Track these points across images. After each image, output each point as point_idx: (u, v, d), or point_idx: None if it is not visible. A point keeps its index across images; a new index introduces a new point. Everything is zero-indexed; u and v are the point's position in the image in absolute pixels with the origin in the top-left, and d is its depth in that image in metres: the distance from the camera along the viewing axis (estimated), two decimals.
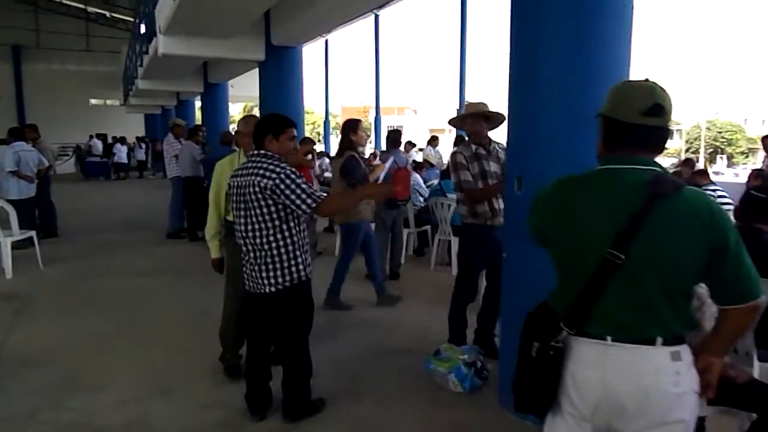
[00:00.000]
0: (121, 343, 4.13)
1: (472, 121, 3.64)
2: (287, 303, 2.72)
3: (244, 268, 2.75)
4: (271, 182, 2.52)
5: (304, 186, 2.56)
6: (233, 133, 3.59)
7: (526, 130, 2.85)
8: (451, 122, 3.93)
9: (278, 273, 2.64)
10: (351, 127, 4.69)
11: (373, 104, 21.63)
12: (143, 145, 21.72)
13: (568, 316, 1.58)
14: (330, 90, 24.60)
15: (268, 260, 2.63)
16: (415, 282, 5.79)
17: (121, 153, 20.05)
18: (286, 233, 2.62)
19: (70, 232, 8.69)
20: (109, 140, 23.17)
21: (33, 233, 6.38)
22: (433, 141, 11.00)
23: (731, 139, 46.91)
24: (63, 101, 25.97)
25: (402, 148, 11.68)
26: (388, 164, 4.90)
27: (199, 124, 9.20)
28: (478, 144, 3.64)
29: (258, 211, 2.57)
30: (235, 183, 2.67)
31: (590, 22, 2.63)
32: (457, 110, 17.36)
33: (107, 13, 27.74)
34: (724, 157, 44.58)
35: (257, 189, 2.54)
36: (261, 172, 2.55)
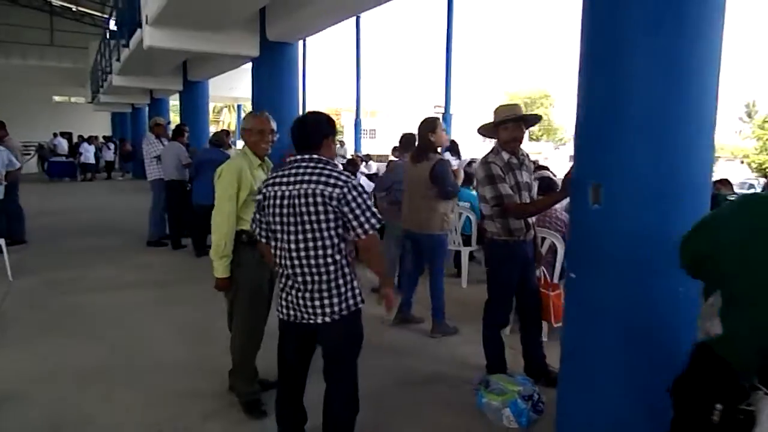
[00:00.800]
0: (111, 373, 3.60)
1: (514, 126, 3.27)
2: (343, 335, 2.32)
3: (284, 294, 2.33)
4: (338, 190, 2.14)
5: (369, 203, 2.20)
6: (242, 130, 3.12)
7: (605, 131, 2.50)
8: (484, 128, 3.41)
9: (335, 300, 2.24)
10: (428, 126, 4.11)
11: (343, 106, 21.25)
12: (111, 145, 20.78)
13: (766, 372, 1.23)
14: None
15: (324, 285, 2.22)
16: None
17: (88, 153, 19.10)
18: (344, 252, 2.23)
19: (39, 238, 8.00)
20: (75, 139, 22.08)
21: (2, 242, 5.76)
22: None
23: None
24: (24, 98, 24.55)
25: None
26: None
27: (181, 123, 8.62)
28: (512, 153, 3.29)
29: (316, 226, 2.17)
30: (279, 192, 2.22)
31: (679, 4, 2.31)
32: (437, 113, 17.07)
33: (73, 7, 26.53)
34: None
35: (319, 200, 2.14)
36: (324, 179, 2.16)
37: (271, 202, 2.25)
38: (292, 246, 2.22)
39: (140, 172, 19.48)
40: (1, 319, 4.60)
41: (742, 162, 38.79)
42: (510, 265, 3.33)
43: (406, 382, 3.48)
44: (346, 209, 2.16)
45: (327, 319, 2.24)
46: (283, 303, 2.33)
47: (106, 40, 12.53)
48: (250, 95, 20.94)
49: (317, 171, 2.19)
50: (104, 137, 22.27)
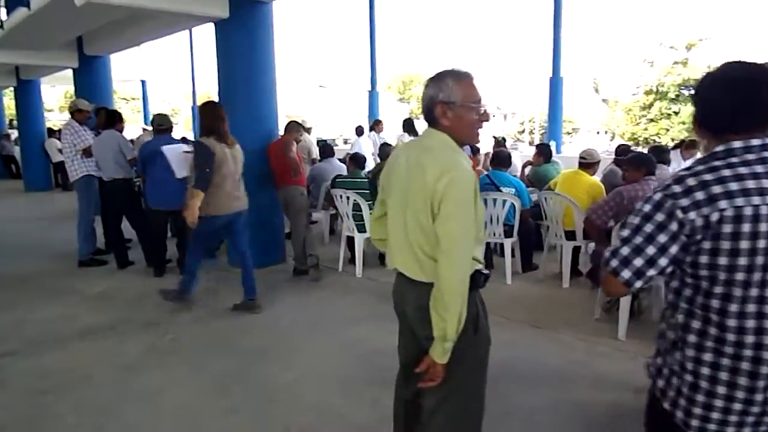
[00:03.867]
0: None
1: None
2: None
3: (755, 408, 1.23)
4: None
5: None
6: (437, 105, 1.87)
7: None
8: None
9: None
10: None
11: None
12: None
13: None
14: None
15: None
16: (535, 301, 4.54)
17: None
18: None
19: None
20: None
21: None
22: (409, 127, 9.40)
23: None
24: None
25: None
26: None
27: (102, 107, 6.75)
28: None
29: None
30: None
31: None
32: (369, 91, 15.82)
33: None
34: None
35: None
36: None
37: (749, 228, 1.17)
38: None
39: None
40: None
41: (598, 133, 42.76)
42: None
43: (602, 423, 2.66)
44: None
45: None
46: (749, 419, 1.24)
47: None
48: (122, 77, 18.11)
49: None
50: None
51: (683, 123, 28.68)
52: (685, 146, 6.60)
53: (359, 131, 9.85)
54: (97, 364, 3.51)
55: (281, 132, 5.76)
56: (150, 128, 6.02)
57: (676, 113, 29.51)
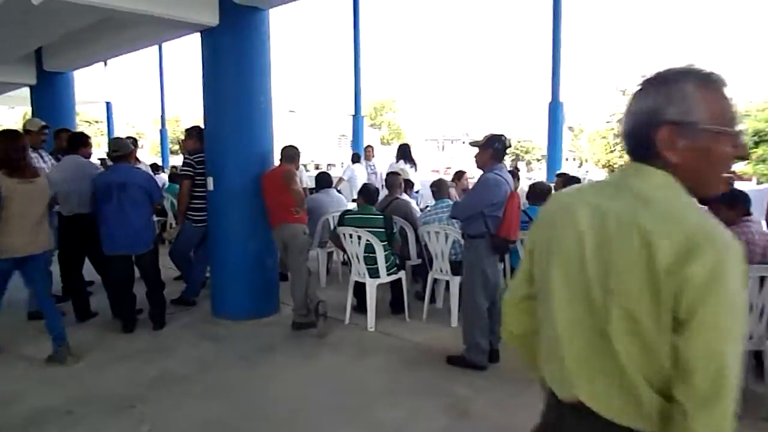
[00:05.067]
0: None
1: None
2: None
3: None
4: None
5: None
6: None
7: None
8: None
9: None
10: None
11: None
12: None
13: None
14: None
15: None
16: None
17: None
18: None
19: None
20: None
21: None
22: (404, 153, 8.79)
23: (526, 148, 53.92)
24: None
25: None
26: None
27: (63, 128, 5.80)
28: None
29: None
30: None
31: None
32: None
33: None
34: (524, 163, 50.94)
35: None
36: None
37: None
38: None
39: None
40: None
41: (567, 159, 43.48)
42: None
43: None
44: None
45: None
46: None
47: None
48: (85, 99, 16.94)
49: None
50: None
51: None
52: None
53: (355, 158, 9.01)
54: None
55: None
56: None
57: None
